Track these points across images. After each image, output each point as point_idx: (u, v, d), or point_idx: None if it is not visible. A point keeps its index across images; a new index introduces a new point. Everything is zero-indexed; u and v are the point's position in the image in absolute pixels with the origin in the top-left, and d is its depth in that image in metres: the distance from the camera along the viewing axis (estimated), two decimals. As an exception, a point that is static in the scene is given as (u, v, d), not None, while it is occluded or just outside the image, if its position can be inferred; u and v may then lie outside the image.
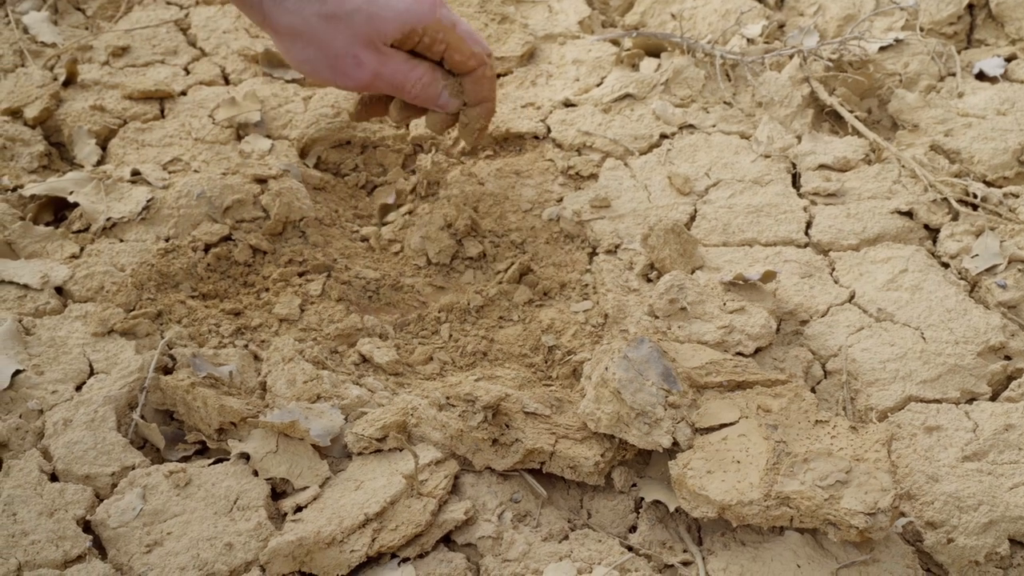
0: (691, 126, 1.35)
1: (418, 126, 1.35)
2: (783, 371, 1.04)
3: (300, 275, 1.15)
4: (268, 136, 1.33)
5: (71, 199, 1.20)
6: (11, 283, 1.10)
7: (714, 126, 1.35)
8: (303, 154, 1.32)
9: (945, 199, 1.23)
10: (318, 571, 0.87)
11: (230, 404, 0.97)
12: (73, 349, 1.04)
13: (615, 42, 1.49)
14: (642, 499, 0.94)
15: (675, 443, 0.92)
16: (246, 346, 1.07)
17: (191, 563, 0.87)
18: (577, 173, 1.29)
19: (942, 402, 1.03)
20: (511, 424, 0.94)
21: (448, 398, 0.95)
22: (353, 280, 1.15)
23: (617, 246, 1.20)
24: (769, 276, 1.12)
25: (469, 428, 0.93)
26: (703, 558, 0.90)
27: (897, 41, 1.46)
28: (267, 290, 1.14)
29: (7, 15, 1.50)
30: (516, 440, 0.93)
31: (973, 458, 0.97)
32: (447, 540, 0.91)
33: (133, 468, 0.95)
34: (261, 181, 1.22)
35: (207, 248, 1.15)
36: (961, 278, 1.16)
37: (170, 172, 1.25)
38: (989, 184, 1.26)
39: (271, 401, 1.00)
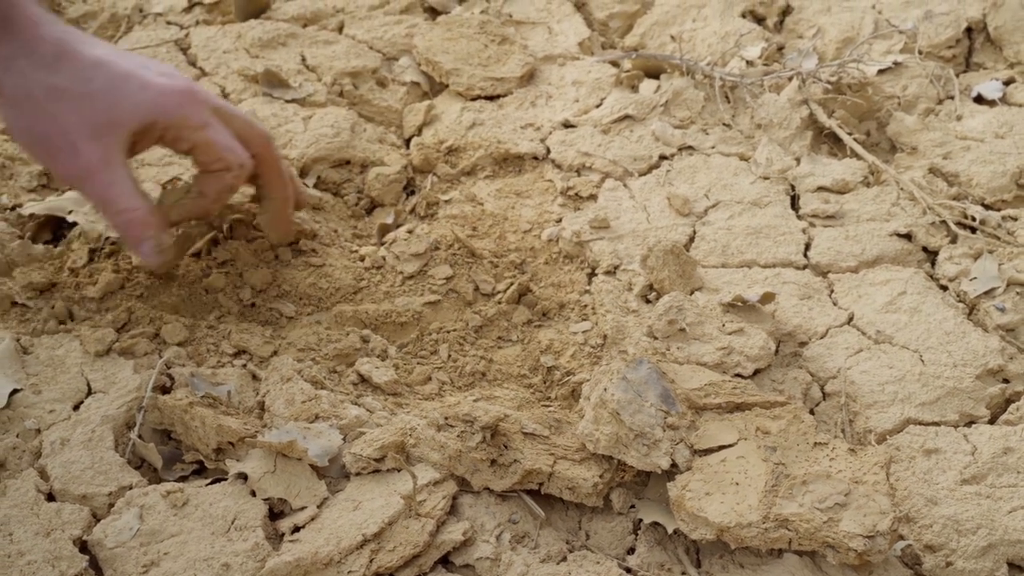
0: (690, 147, 1.36)
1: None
2: (782, 393, 1.04)
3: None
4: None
5: (70, 218, 1.20)
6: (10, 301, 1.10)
7: (713, 147, 1.35)
8: (303, 173, 1.32)
9: (944, 222, 1.23)
10: (315, 592, 0.87)
11: (228, 424, 0.97)
12: (71, 368, 1.04)
13: (615, 63, 1.49)
14: (640, 521, 0.94)
15: (674, 464, 0.92)
16: (244, 366, 1.07)
17: (188, 583, 0.87)
18: (576, 194, 1.30)
19: (941, 425, 1.03)
20: (509, 445, 0.94)
21: (447, 418, 0.95)
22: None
23: (616, 267, 1.20)
24: (768, 298, 1.12)
25: (467, 448, 0.93)
26: (701, 580, 0.90)
27: (896, 64, 1.46)
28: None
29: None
30: (515, 461, 0.93)
31: (972, 481, 0.97)
32: (445, 561, 0.91)
33: (130, 488, 0.95)
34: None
35: (208, 268, 1.15)
36: (960, 301, 1.16)
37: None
38: (987, 207, 1.26)
39: (269, 421, 1.00)
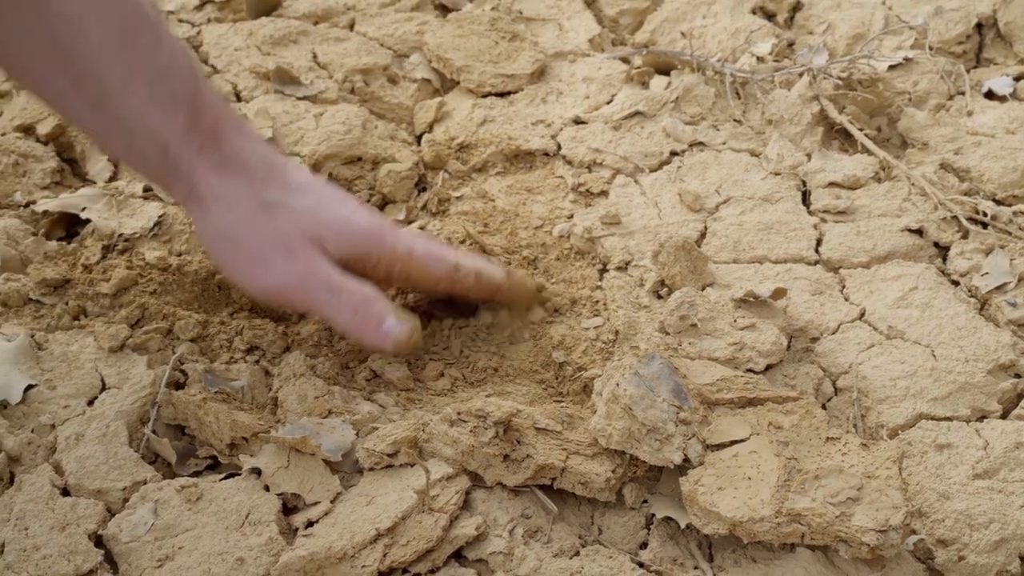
0: (701, 143, 1.36)
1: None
2: (794, 388, 1.04)
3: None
4: (280, 153, 1.33)
5: (83, 215, 1.20)
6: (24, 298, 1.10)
7: (724, 143, 1.35)
8: (315, 170, 1.32)
9: (955, 217, 1.23)
10: (329, 586, 0.87)
11: (242, 419, 0.98)
12: (85, 364, 1.05)
13: (625, 60, 1.49)
14: (653, 515, 0.94)
15: (686, 459, 0.92)
16: (257, 362, 1.07)
17: (202, 578, 0.88)
18: (587, 190, 1.30)
19: (953, 420, 1.03)
20: (522, 440, 0.94)
21: (459, 413, 0.95)
22: None
23: (628, 263, 1.20)
24: (780, 293, 1.12)
25: (480, 444, 0.93)
26: (714, 574, 0.90)
27: (906, 60, 1.46)
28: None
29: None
30: (527, 456, 0.93)
31: (984, 476, 0.97)
32: (458, 556, 0.91)
33: (145, 483, 0.95)
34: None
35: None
36: (971, 296, 1.16)
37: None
38: (999, 202, 1.26)
39: (282, 416, 1.00)
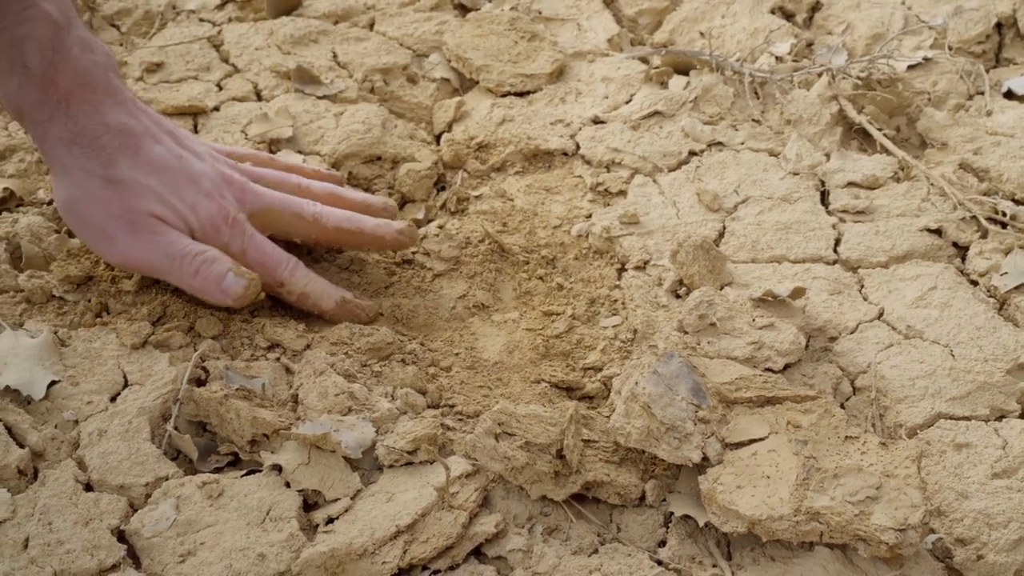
0: (720, 143, 1.36)
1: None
2: (812, 387, 1.05)
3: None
4: (300, 152, 1.34)
5: (106, 213, 1.21)
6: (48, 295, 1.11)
7: (743, 143, 1.36)
8: (335, 168, 1.33)
9: (974, 217, 1.23)
10: (350, 582, 0.88)
11: (263, 416, 0.98)
12: (108, 361, 1.05)
13: (644, 60, 1.50)
14: (671, 514, 0.94)
15: (705, 458, 0.93)
16: (278, 359, 1.08)
17: (224, 573, 0.88)
18: (606, 189, 1.30)
19: (971, 419, 1.03)
20: (572, 459, 0.93)
21: (500, 424, 0.93)
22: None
23: (646, 262, 1.20)
24: (798, 293, 1.12)
25: (532, 461, 0.92)
26: (732, 573, 0.90)
27: (926, 60, 1.46)
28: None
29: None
30: (576, 471, 0.93)
31: (1003, 475, 0.97)
32: (477, 553, 0.92)
33: (167, 479, 0.96)
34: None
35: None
36: (990, 296, 1.16)
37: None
38: (1018, 202, 1.26)
39: (303, 413, 1.01)
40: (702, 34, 1.53)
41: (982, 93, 1.43)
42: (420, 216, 1.29)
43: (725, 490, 0.90)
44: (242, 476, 0.97)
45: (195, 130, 1.37)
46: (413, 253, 1.23)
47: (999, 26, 1.52)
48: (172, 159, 1.09)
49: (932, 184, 1.27)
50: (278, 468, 0.96)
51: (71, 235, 1.20)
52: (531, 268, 1.21)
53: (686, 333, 1.09)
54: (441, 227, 1.26)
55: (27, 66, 1.03)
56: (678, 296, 1.16)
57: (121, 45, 1.53)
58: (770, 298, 1.11)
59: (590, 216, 1.27)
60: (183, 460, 0.99)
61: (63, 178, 1.06)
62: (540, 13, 1.59)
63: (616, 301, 1.16)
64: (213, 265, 1.06)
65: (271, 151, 1.34)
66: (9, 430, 0.98)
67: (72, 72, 1.04)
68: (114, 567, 0.89)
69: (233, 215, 1.10)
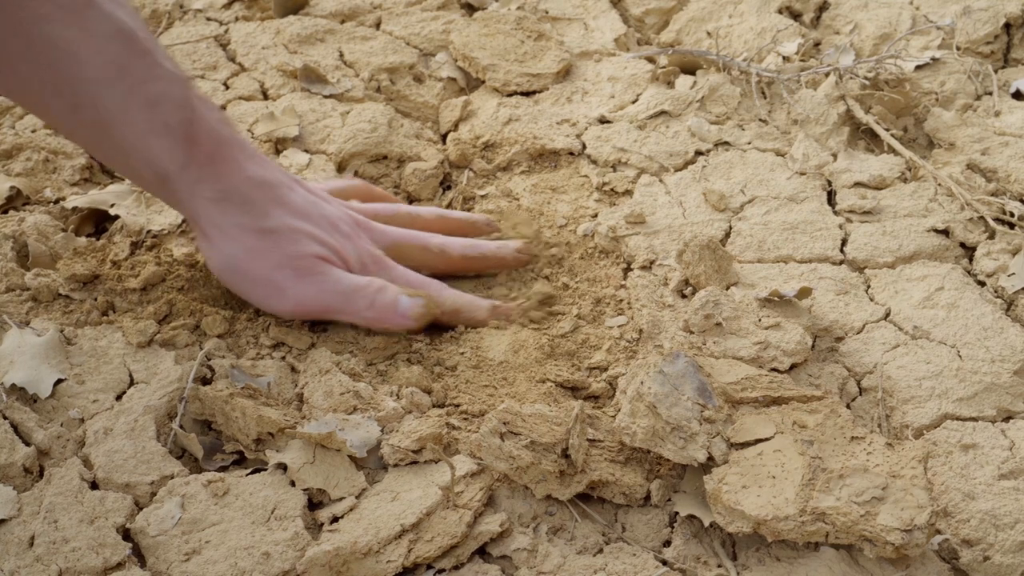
0: (726, 143, 1.36)
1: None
2: (819, 387, 1.04)
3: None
4: (306, 151, 1.34)
5: (112, 211, 1.21)
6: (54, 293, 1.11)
7: (749, 143, 1.35)
8: (340, 168, 1.33)
9: (981, 217, 1.23)
10: (354, 581, 0.88)
11: (268, 415, 0.98)
12: (114, 359, 1.05)
13: (651, 59, 1.50)
14: (677, 513, 0.94)
15: (710, 458, 0.92)
16: (284, 358, 1.08)
17: (229, 571, 0.88)
18: (612, 189, 1.30)
19: (978, 420, 1.03)
20: (577, 457, 0.93)
21: (505, 423, 0.93)
22: None
23: (652, 262, 1.20)
24: (805, 293, 1.12)
25: (537, 460, 0.92)
26: (738, 573, 0.90)
27: (934, 60, 1.46)
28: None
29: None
30: (580, 471, 0.93)
31: (1009, 476, 0.97)
32: (482, 552, 0.91)
33: (172, 477, 0.96)
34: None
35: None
36: (997, 296, 1.15)
37: (210, 185, 1.26)
38: (1026, 203, 1.26)
39: (308, 412, 1.01)
40: (709, 34, 1.53)
41: (990, 93, 1.42)
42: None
43: (730, 490, 0.89)
44: (247, 475, 0.97)
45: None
46: None
47: (1007, 26, 1.51)
48: (310, 205, 1.09)
49: (939, 184, 1.27)
50: (283, 467, 0.96)
51: (77, 234, 1.20)
52: (537, 267, 1.21)
53: (692, 333, 1.09)
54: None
55: (168, 126, 1.00)
56: (684, 296, 1.16)
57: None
58: (776, 298, 1.11)
59: (596, 216, 1.27)
60: (188, 459, 0.99)
61: (217, 238, 1.05)
62: (547, 12, 1.59)
63: (622, 301, 1.16)
64: (385, 294, 1.07)
65: (277, 150, 1.34)
66: (15, 428, 0.98)
67: (208, 130, 1.02)
68: (119, 565, 0.89)
69: (374, 252, 1.11)
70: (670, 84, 1.45)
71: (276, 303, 1.08)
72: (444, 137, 1.42)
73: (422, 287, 1.12)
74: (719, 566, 0.91)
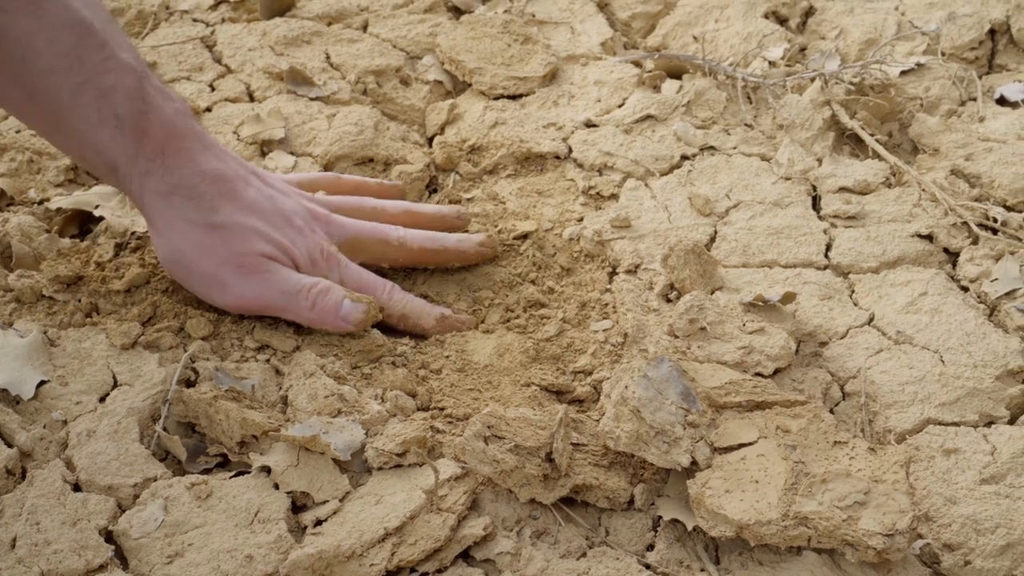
0: (712, 148, 1.36)
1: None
2: (802, 392, 1.05)
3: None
4: (292, 153, 1.34)
5: (96, 212, 1.21)
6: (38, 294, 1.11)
7: (735, 148, 1.36)
8: (326, 171, 1.33)
9: (965, 223, 1.23)
10: (337, 584, 0.88)
11: (252, 417, 0.98)
12: (97, 361, 1.05)
13: (637, 63, 1.50)
14: (660, 517, 0.94)
15: (694, 462, 0.93)
16: (268, 360, 1.08)
17: (212, 574, 0.88)
18: (598, 193, 1.30)
19: (960, 425, 1.03)
20: (561, 462, 0.93)
21: (489, 427, 0.93)
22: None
23: (637, 266, 1.20)
24: (789, 298, 1.12)
25: (521, 464, 0.92)
26: (720, 577, 0.90)
27: (919, 65, 1.46)
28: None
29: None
30: (564, 475, 0.93)
31: (991, 481, 0.97)
32: (465, 556, 0.91)
33: (155, 480, 0.96)
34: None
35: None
36: (980, 302, 1.16)
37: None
38: (1009, 208, 1.26)
39: (292, 415, 1.01)
40: (695, 38, 1.53)
41: (975, 99, 1.43)
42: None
43: (714, 494, 0.90)
44: (231, 477, 0.96)
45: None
46: None
47: (992, 32, 1.52)
48: (264, 199, 1.09)
49: (924, 190, 1.28)
50: (267, 470, 0.96)
51: (61, 235, 1.20)
52: (523, 271, 1.21)
53: (676, 337, 1.09)
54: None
55: (119, 117, 1.01)
56: (669, 300, 1.16)
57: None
58: (761, 303, 1.12)
59: (582, 219, 1.27)
60: (172, 461, 0.99)
61: (165, 231, 1.06)
62: (534, 16, 1.59)
63: (607, 305, 1.16)
64: (328, 296, 1.07)
65: (263, 152, 1.34)
66: (-3, 430, 0.98)
67: (161, 121, 1.03)
68: (102, 567, 0.89)
69: (327, 248, 1.11)
70: (656, 88, 1.45)
71: (218, 297, 1.08)
72: (430, 140, 1.42)
73: (371, 288, 1.12)
74: (702, 570, 0.91)
